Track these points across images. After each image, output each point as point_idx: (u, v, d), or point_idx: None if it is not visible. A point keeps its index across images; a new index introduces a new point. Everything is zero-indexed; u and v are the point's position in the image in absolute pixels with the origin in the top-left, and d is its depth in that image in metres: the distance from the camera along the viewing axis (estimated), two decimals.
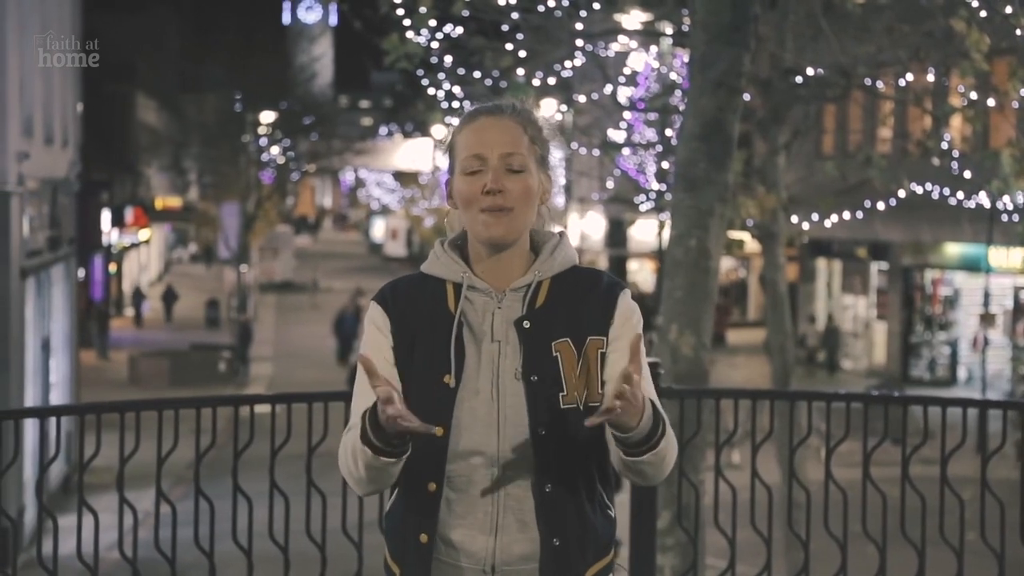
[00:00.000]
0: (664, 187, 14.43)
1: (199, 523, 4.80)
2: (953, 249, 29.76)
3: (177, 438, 4.58)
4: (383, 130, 71.95)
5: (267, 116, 46.20)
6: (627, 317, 2.95)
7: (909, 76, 12.99)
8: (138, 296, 43.68)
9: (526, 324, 2.89)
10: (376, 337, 2.95)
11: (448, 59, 12.86)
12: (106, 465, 4.59)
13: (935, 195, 16.30)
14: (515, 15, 11.74)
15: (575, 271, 2.98)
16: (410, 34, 11.29)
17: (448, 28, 12.27)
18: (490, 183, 2.86)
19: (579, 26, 12.17)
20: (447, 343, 2.88)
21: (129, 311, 44.31)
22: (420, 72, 13.23)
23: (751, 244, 19.10)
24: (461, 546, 2.86)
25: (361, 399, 2.91)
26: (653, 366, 4.74)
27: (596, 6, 12.27)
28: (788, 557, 12.27)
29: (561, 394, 2.85)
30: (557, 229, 3.04)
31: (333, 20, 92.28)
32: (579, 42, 12.35)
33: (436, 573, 2.89)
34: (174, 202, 53.59)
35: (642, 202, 17.90)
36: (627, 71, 15.61)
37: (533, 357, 2.87)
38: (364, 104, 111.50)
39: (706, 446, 7.13)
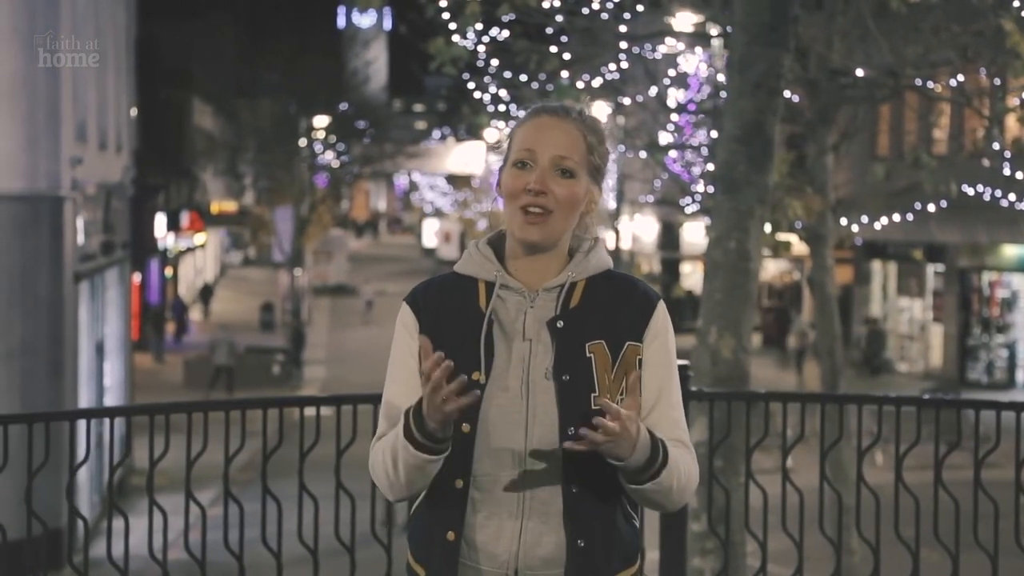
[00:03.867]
0: (711, 189, 14.35)
1: (228, 526, 4.81)
2: (1011, 251, 29.41)
3: (206, 441, 4.60)
4: (436, 133, 72.07)
5: (321, 120, 46.46)
6: (660, 331, 2.92)
7: (960, 76, 12.84)
8: (179, 306, 41.38)
9: (559, 324, 2.86)
10: (404, 339, 2.94)
11: (494, 63, 12.87)
12: (161, 467, 4.63)
13: (986, 197, 16.12)
14: (560, 18, 11.73)
15: (609, 275, 2.95)
16: (456, 38, 11.30)
17: (494, 31, 12.27)
18: (533, 182, 2.85)
19: (624, 29, 12.13)
20: (477, 340, 2.86)
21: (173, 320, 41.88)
22: (466, 76, 13.25)
23: (801, 247, 18.95)
24: (484, 548, 2.84)
25: (391, 406, 2.91)
26: (683, 369, 4.71)
27: (640, 8, 12.22)
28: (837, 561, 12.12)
29: (593, 395, 2.82)
30: (594, 235, 3.01)
31: (387, 24, 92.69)
32: (624, 44, 12.31)
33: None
34: (229, 206, 53.98)
35: (687, 204, 17.83)
36: (673, 73, 15.54)
37: (565, 357, 2.84)
38: (418, 108, 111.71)
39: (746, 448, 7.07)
